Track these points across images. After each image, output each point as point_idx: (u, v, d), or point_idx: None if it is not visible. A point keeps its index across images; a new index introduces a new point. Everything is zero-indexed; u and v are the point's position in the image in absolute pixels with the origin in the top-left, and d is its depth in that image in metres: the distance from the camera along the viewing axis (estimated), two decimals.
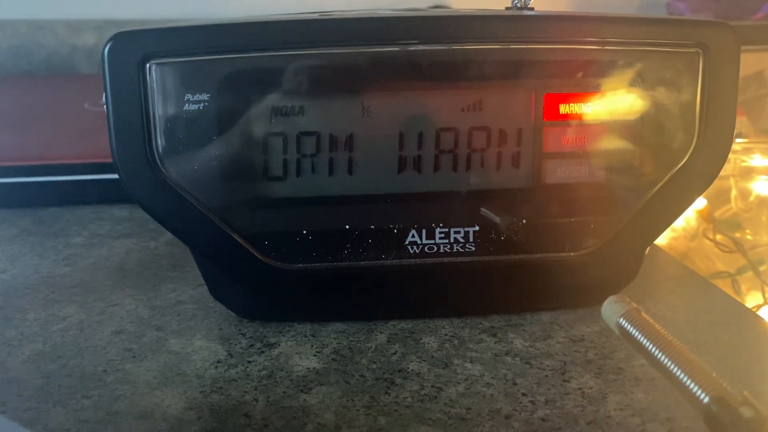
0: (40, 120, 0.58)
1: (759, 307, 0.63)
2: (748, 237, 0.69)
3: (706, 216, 0.65)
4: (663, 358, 0.22)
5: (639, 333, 0.23)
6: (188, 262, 0.40)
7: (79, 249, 0.43)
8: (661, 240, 0.68)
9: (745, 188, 0.70)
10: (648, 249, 0.34)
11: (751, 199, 0.70)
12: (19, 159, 0.49)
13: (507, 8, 0.34)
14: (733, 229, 0.68)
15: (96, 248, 0.43)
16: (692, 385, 0.20)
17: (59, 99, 0.64)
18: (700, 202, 0.65)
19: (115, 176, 0.30)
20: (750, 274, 0.64)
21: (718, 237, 0.65)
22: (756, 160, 0.69)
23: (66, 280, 0.38)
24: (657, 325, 0.23)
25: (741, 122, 0.81)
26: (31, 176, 0.48)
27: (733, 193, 0.69)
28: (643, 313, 0.24)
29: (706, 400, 0.19)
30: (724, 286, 0.63)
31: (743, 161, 0.69)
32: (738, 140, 0.71)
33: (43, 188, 0.49)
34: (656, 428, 0.25)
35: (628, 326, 0.23)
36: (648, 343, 0.22)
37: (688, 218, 0.68)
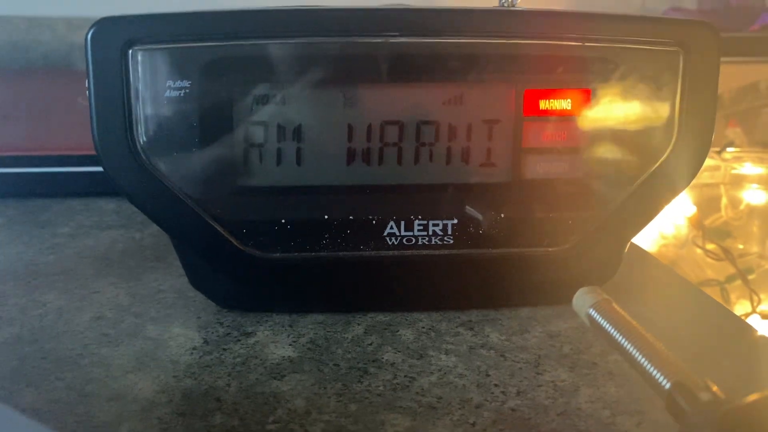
0: (33, 113, 0.59)
1: (747, 315, 0.62)
2: (739, 246, 0.69)
3: (696, 224, 0.65)
4: (629, 347, 0.22)
5: (608, 323, 0.23)
6: (172, 254, 0.40)
7: (65, 239, 0.43)
8: (651, 247, 0.68)
9: (735, 197, 0.70)
10: (628, 246, 0.34)
11: (741, 207, 0.70)
12: (7, 149, 0.49)
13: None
14: (723, 237, 0.68)
15: (81, 238, 0.43)
16: (656, 372, 0.20)
17: (53, 94, 0.64)
18: (690, 210, 0.65)
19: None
20: (739, 282, 0.64)
21: (708, 245, 0.65)
22: (746, 168, 0.69)
23: (49, 268, 0.38)
24: (627, 316, 0.23)
25: (735, 133, 0.81)
26: (19, 167, 0.49)
27: (724, 201, 0.69)
28: (613, 304, 0.24)
29: (668, 386, 0.19)
30: (713, 294, 0.63)
31: (734, 169, 0.69)
32: (729, 149, 0.71)
33: (30, 179, 0.49)
34: (625, 420, 0.25)
35: (598, 316, 0.24)
36: (616, 333, 0.22)
37: (677, 226, 0.68)
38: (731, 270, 0.64)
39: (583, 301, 0.24)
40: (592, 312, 0.24)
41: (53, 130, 0.55)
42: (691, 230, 0.67)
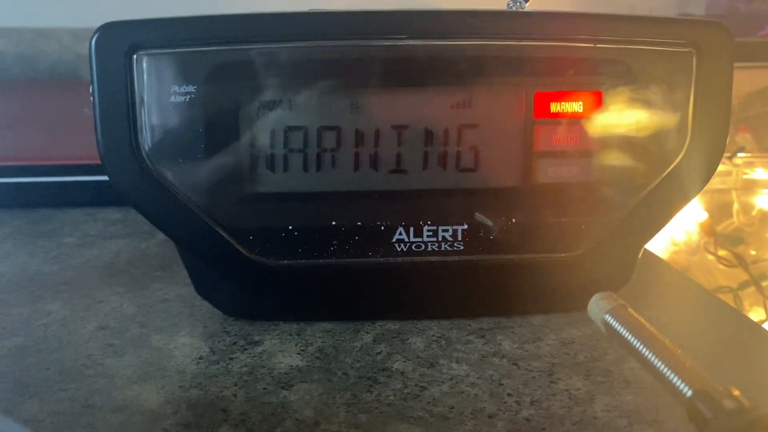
0: (39, 124, 0.58)
1: (762, 322, 0.61)
2: (752, 252, 0.68)
3: (707, 230, 0.64)
4: (648, 353, 0.21)
5: (624, 329, 0.22)
6: (178, 263, 0.39)
7: (70, 249, 0.42)
8: (662, 253, 0.67)
9: (747, 202, 0.69)
10: (641, 252, 0.33)
11: (754, 213, 0.69)
12: (13, 159, 0.49)
13: None
14: (735, 243, 0.67)
15: (87, 248, 0.43)
16: (676, 380, 0.20)
17: (60, 104, 0.64)
18: (702, 216, 0.64)
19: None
20: (752, 289, 0.63)
21: (720, 251, 0.64)
22: (758, 174, 0.68)
23: (54, 278, 0.38)
24: (643, 321, 0.22)
25: (745, 139, 0.80)
26: (23, 176, 0.48)
27: (735, 207, 0.68)
28: (629, 310, 0.23)
29: (690, 393, 0.19)
30: (726, 300, 0.62)
31: (745, 174, 0.68)
32: (740, 155, 0.70)
33: (35, 189, 0.49)
34: (643, 430, 0.25)
35: (614, 322, 0.23)
36: (633, 339, 0.22)
37: (689, 232, 0.67)
38: (744, 276, 0.63)
39: (598, 307, 0.24)
40: (608, 318, 0.23)
41: (59, 140, 0.55)
42: (702, 236, 0.66)
